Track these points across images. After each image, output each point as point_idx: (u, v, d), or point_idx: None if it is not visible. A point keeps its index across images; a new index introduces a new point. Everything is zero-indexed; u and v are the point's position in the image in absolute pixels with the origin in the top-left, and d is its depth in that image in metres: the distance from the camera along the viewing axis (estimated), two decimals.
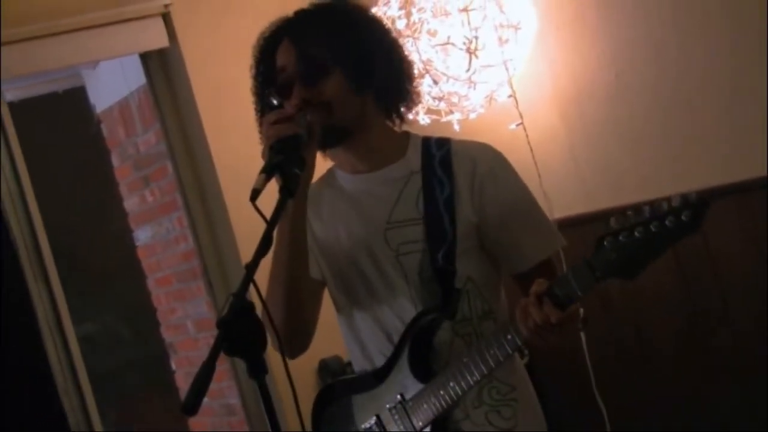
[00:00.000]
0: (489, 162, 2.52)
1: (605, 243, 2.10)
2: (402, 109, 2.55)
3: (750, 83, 3.42)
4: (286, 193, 2.21)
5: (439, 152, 2.52)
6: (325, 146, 2.48)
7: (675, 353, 3.89)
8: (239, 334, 1.91)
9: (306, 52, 2.43)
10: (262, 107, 2.51)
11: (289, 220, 2.38)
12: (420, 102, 2.66)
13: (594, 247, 2.12)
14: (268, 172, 2.24)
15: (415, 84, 2.58)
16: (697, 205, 2.00)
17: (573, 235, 3.96)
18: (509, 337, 2.31)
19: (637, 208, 2.07)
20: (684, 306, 3.80)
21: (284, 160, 2.25)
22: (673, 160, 3.74)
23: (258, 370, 1.92)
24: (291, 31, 2.48)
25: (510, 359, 2.44)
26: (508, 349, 2.32)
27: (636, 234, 2.06)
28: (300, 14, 2.53)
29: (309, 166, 2.35)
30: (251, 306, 1.94)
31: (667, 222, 2.01)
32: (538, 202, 2.58)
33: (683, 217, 2.00)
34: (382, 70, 2.47)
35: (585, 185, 4.07)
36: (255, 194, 2.15)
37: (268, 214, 2.16)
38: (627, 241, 2.07)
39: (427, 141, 2.57)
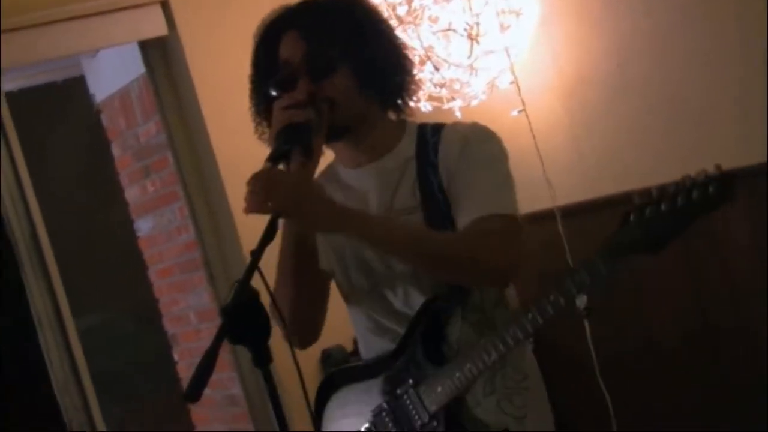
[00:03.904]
0: (468, 134, 2.47)
1: (631, 218, 2.08)
2: (400, 103, 2.52)
3: (757, 69, 3.40)
4: None
5: (433, 138, 2.50)
6: (326, 141, 2.45)
7: (680, 344, 3.87)
8: (244, 322, 1.88)
9: (315, 47, 2.40)
10: (258, 96, 2.49)
11: None
12: (418, 92, 2.63)
13: (619, 224, 2.10)
14: (274, 160, 2.21)
15: (415, 79, 2.55)
16: (724, 179, 1.98)
17: (576, 222, 3.99)
18: (530, 315, 2.26)
19: (660, 187, 2.04)
20: (690, 298, 3.78)
21: (291, 149, 2.23)
22: (677, 147, 3.71)
23: (263, 359, 1.89)
24: (298, 24, 2.44)
25: (523, 345, 2.42)
26: (529, 329, 2.27)
27: (662, 208, 2.03)
28: (306, 6, 2.49)
29: (316, 156, 2.32)
30: (256, 293, 1.91)
31: (693, 195, 1.99)
32: (505, 170, 2.46)
33: (710, 190, 1.98)
34: (386, 70, 2.46)
35: (588, 173, 4.05)
36: None
37: None
38: (653, 216, 2.05)
39: (423, 127, 2.55)
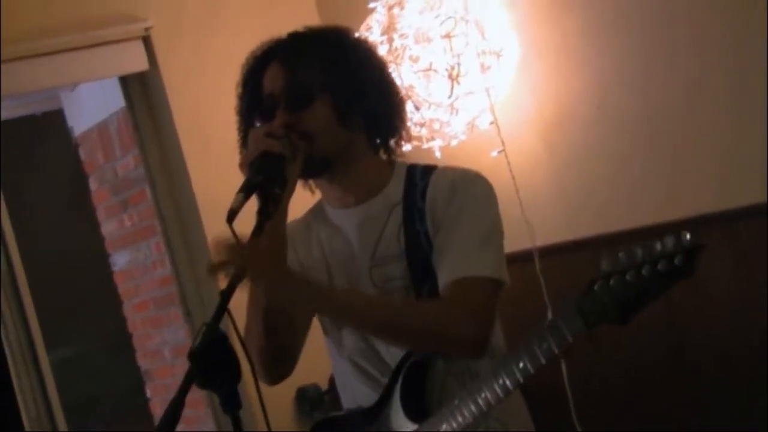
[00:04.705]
0: (456, 180, 2.41)
1: (596, 287, 2.01)
2: (391, 144, 2.46)
3: (741, 109, 3.40)
4: (264, 214, 2.16)
5: (422, 182, 2.43)
6: (305, 176, 2.41)
7: (659, 386, 3.84)
8: (211, 366, 1.84)
9: (294, 76, 2.35)
10: (244, 129, 2.45)
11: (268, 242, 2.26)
12: (411, 137, 2.55)
13: (584, 291, 2.04)
14: (246, 192, 2.18)
15: (406, 120, 2.49)
16: (691, 249, 1.88)
17: (556, 262, 3.98)
18: (501, 381, 2.18)
19: (629, 249, 1.98)
20: (670, 338, 3.76)
21: (265, 180, 2.19)
22: (658, 186, 3.71)
23: (232, 405, 1.85)
24: (281, 54, 2.40)
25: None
26: (500, 394, 2.19)
27: (627, 278, 1.96)
28: (292, 37, 2.45)
29: (290, 187, 2.27)
30: (224, 337, 1.87)
31: (659, 266, 1.91)
32: (491, 220, 2.41)
33: (676, 262, 1.89)
34: (371, 104, 2.40)
35: (569, 212, 4.04)
36: (232, 215, 2.10)
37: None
38: (618, 286, 1.98)
39: (412, 169, 2.48)
